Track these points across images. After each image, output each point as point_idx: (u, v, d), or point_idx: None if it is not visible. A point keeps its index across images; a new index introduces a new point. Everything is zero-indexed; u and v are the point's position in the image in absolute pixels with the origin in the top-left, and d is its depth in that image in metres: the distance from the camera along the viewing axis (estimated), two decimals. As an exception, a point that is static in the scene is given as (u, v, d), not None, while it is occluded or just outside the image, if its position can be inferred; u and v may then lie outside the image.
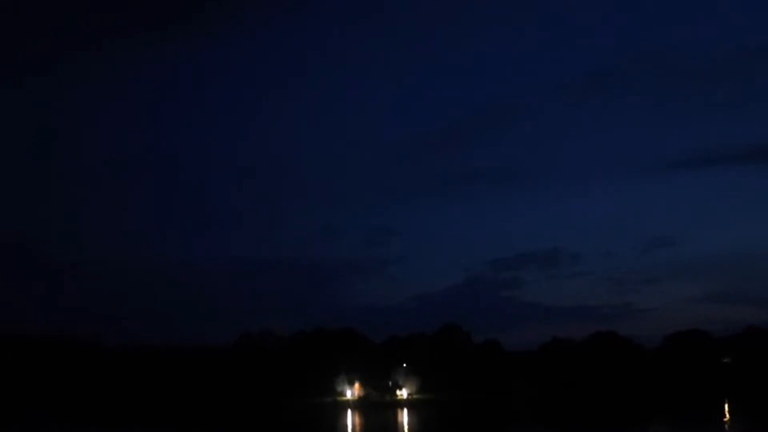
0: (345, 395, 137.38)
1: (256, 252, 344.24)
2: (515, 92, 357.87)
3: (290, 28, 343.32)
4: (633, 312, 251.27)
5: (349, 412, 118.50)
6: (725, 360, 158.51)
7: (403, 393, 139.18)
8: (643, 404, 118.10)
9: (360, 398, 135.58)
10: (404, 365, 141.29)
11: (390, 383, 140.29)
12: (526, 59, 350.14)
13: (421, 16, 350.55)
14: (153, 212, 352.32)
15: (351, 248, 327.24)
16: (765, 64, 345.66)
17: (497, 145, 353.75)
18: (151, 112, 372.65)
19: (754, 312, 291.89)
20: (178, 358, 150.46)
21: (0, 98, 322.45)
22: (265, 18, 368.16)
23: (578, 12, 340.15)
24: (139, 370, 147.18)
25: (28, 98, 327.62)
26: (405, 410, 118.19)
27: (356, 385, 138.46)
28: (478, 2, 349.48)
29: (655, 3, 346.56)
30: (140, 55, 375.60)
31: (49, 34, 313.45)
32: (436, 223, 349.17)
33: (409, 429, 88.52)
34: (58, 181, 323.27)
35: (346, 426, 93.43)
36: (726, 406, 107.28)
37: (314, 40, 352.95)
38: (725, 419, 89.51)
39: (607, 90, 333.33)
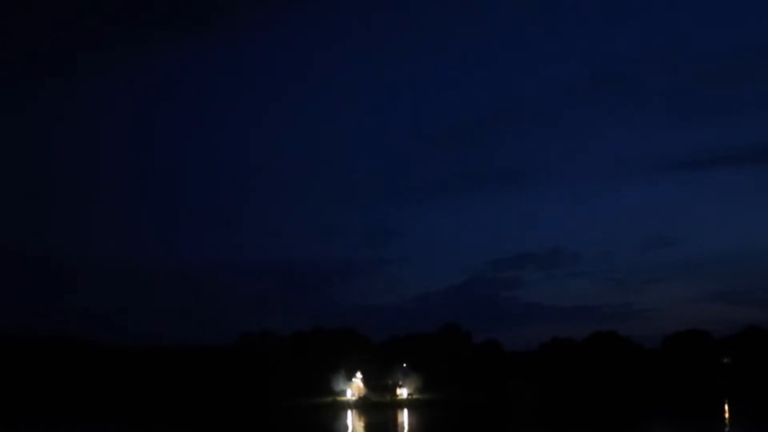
0: (345, 395, 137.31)
1: (255, 252, 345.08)
2: (517, 94, 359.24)
3: (294, 30, 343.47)
4: (633, 312, 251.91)
5: (349, 412, 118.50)
6: (725, 360, 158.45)
7: (403, 393, 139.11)
8: (643, 404, 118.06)
9: (360, 398, 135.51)
10: (404, 365, 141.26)
11: (390, 383, 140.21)
12: (529, 61, 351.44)
13: (424, 18, 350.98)
14: (154, 213, 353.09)
15: (351, 248, 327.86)
16: (765, 65, 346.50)
17: (498, 146, 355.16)
18: (153, 113, 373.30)
19: (754, 312, 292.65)
20: (178, 358, 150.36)
21: (1, 98, 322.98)
22: (269, 20, 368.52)
23: (583, 16, 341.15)
24: (139, 370, 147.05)
25: (29, 98, 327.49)
26: (405, 410, 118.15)
27: (356, 385, 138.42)
28: (484, 4, 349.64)
29: (659, 6, 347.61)
30: (143, 57, 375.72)
31: (48, 34, 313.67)
32: (437, 223, 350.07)
33: (409, 429, 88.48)
34: (60, 180, 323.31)
35: (346, 426, 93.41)
36: (726, 406, 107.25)
37: (318, 42, 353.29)
38: (725, 419, 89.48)
39: (608, 92, 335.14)
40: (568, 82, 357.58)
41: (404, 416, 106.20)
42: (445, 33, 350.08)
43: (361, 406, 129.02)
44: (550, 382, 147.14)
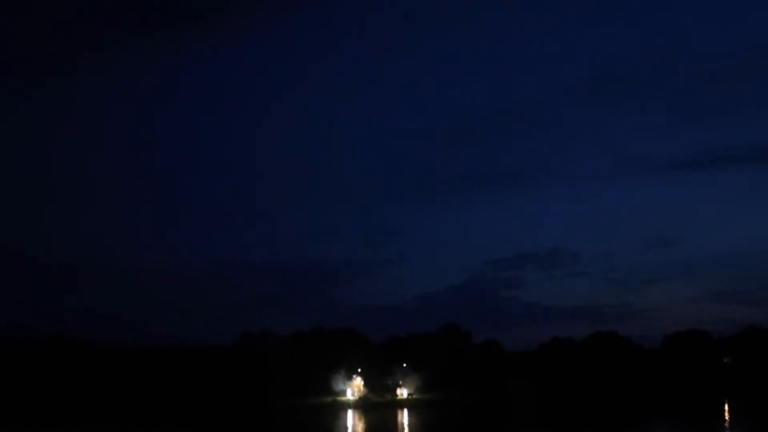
0: (345, 395, 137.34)
1: (256, 252, 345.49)
2: (517, 94, 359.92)
3: (294, 30, 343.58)
4: (633, 312, 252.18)
5: (349, 412, 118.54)
6: (725, 360, 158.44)
7: (403, 393, 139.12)
8: (644, 404, 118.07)
9: (360, 398, 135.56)
10: (404, 365, 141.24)
11: (390, 383, 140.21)
12: (529, 62, 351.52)
13: (424, 18, 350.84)
14: (154, 213, 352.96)
15: (351, 248, 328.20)
16: (765, 65, 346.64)
17: (498, 146, 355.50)
18: (153, 113, 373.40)
19: (754, 312, 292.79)
20: (178, 358, 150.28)
21: (1, 98, 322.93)
22: (269, 20, 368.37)
23: (583, 16, 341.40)
24: (139, 370, 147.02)
25: (29, 98, 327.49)
26: (405, 410, 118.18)
27: (356, 385, 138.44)
28: (484, 4, 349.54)
29: (659, 6, 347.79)
30: (143, 57, 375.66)
31: (48, 34, 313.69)
32: (437, 223, 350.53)
33: (409, 429, 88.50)
34: (60, 180, 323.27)
35: (346, 426, 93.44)
36: (726, 406, 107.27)
37: (318, 42, 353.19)
38: (725, 419, 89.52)
39: (608, 92, 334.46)
40: (568, 82, 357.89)
41: (404, 416, 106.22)
42: (445, 33, 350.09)
43: (361, 406, 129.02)
44: (550, 382, 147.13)
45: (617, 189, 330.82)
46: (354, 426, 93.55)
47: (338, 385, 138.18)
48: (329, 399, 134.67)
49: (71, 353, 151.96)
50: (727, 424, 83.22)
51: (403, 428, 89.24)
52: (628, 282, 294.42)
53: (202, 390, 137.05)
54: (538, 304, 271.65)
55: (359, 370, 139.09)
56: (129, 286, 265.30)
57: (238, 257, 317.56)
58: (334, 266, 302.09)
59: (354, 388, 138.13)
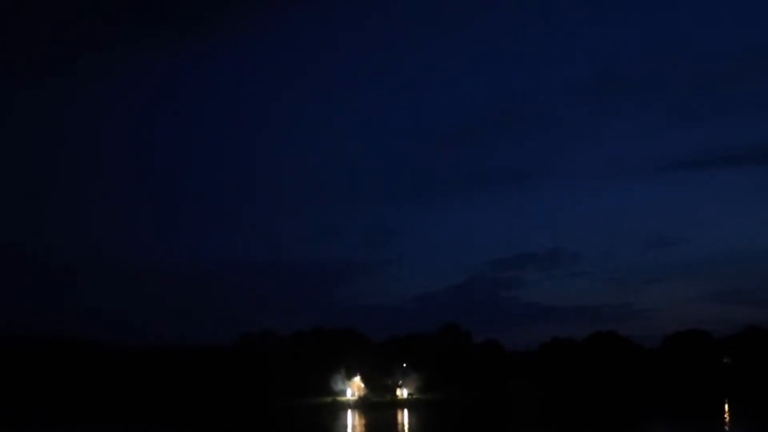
0: (344, 395, 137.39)
1: (256, 252, 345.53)
2: (517, 94, 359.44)
3: (294, 30, 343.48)
4: (633, 312, 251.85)
5: (349, 412, 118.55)
6: (725, 360, 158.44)
7: (403, 393, 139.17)
8: (644, 404, 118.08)
9: (360, 398, 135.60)
10: (404, 365, 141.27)
11: (390, 383, 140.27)
12: (529, 62, 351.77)
13: (424, 19, 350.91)
14: (154, 212, 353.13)
15: (351, 248, 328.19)
16: (765, 65, 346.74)
17: (498, 146, 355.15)
18: (153, 113, 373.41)
19: (754, 312, 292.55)
20: (178, 358, 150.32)
21: (1, 98, 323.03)
22: (269, 20, 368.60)
23: (583, 16, 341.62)
24: (139, 370, 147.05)
25: (29, 98, 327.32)
26: (405, 410, 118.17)
27: (356, 385, 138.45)
28: (484, 4, 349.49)
29: (659, 6, 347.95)
30: (143, 57, 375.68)
31: (48, 34, 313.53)
32: (436, 223, 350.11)
33: (409, 429, 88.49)
34: (60, 180, 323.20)
35: (346, 426, 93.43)
36: (726, 406, 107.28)
37: (318, 42, 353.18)
38: (725, 419, 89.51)
39: (608, 92, 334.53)
40: (568, 82, 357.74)
41: (404, 416, 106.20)
42: (445, 33, 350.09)
43: (361, 406, 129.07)
44: (550, 382, 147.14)
45: (617, 189, 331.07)
46: (354, 426, 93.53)
47: (338, 385, 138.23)
48: (329, 399, 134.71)
49: (71, 353, 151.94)
50: (727, 424, 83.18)
51: (403, 428, 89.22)
52: (628, 282, 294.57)
53: (202, 390, 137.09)
54: (538, 304, 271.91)
55: (359, 370, 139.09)
56: (129, 286, 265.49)
57: (238, 257, 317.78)
58: (334, 266, 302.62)
59: (354, 388, 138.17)
